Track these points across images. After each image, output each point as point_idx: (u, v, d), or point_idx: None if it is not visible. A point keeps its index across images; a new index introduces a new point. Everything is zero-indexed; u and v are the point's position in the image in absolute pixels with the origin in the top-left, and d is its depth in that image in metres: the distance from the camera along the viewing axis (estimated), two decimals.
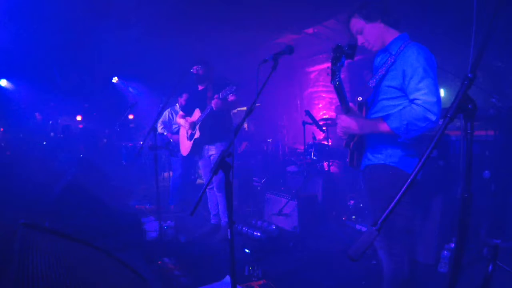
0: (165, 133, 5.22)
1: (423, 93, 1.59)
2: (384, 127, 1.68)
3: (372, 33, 1.82)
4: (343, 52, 1.43)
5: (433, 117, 1.55)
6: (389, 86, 1.77)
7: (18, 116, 9.01)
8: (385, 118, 1.69)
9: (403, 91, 1.73)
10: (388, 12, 1.81)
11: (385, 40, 1.83)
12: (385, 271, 1.86)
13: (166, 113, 5.31)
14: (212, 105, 3.30)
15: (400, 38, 1.80)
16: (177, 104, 5.30)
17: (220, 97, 3.23)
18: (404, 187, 0.90)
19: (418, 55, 1.64)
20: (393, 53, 1.76)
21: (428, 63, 1.63)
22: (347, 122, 1.75)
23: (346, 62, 1.52)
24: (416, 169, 0.90)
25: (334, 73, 1.48)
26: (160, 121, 5.26)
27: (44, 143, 8.53)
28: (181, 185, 5.21)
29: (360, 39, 1.87)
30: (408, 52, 1.69)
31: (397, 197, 0.89)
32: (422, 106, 1.57)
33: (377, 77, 1.80)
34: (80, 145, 8.45)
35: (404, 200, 1.77)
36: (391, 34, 1.82)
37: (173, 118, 5.28)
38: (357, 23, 1.84)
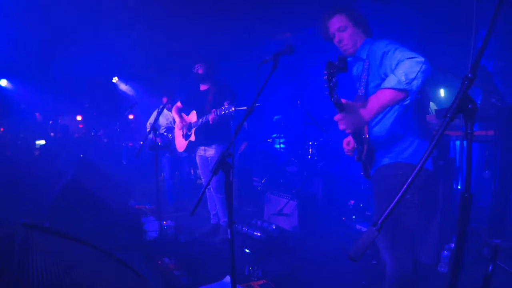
0: (165, 133, 5.23)
1: (402, 54, 1.63)
2: (385, 93, 1.57)
3: (353, 37, 1.92)
4: (336, 67, 1.43)
5: (421, 58, 1.55)
6: (375, 87, 1.81)
7: (18, 116, 9.01)
8: (380, 87, 1.62)
9: None
10: (367, 22, 1.96)
11: (357, 46, 1.94)
12: (388, 271, 1.86)
13: (154, 114, 5.28)
14: (209, 119, 3.32)
15: (366, 43, 1.92)
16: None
17: (218, 113, 3.23)
18: (404, 187, 0.90)
19: (382, 43, 1.78)
20: (364, 57, 1.88)
21: (392, 43, 1.74)
22: (348, 119, 1.61)
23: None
24: (416, 170, 0.90)
25: (331, 90, 1.48)
26: (148, 122, 5.29)
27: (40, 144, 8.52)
28: (172, 185, 5.27)
29: (338, 37, 1.93)
30: (374, 48, 1.82)
31: (397, 197, 0.89)
32: (406, 58, 1.59)
33: (362, 84, 1.87)
34: (80, 144, 8.45)
35: (413, 201, 1.78)
36: (361, 41, 1.94)
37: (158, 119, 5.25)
38: (342, 21, 1.91)
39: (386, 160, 1.88)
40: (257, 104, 1.74)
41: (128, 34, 6.21)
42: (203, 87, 3.70)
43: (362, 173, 2.07)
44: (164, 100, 5.04)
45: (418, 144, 1.83)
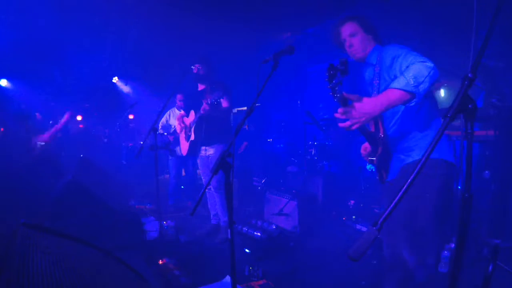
0: (165, 133, 5.23)
1: (412, 58, 1.69)
2: (394, 93, 1.62)
3: (363, 42, 1.99)
4: (337, 70, 1.47)
5: (431, 64, 1.62)
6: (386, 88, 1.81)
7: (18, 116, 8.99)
8: (389, 86, 1.66)
9: None
10: (377, 30, 2.03)
11: (367, 51, 2.01)
12: (389, 270, 1.86)
13: (166, 114, 5.31)
14: (201, 110, 3.32)
15: (375, 49, 2.00)
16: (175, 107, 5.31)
17: (209, 102, 3.23)
18: (405, 186, 0.90)
19: (391, 49, 1.85)
20: (375, 62, 1.95)
21: (403, 47, 1.81)
22: (356, 111, 1.61)
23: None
24: (416, 170, 0.90)
25: (333, 90, 1.52)
26: (160, 122, 5.28)
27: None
28: (176, 185, 5.28)
29: (349, 42, 1.99)
30: (384, 54, 1.89)
31: (399, 194, 0.89)
32: (417, 61, 1.64)
33: (375, 88, 1.92)
34: (79, 144, 8.43)
35: (433, 203, 1.80)
36: (371, 47, 2.01)
37: (169, 119, 5.28)
38: (354, 27, 1.98)
39: (410, 158, 1.88)
40: (257, 104, 1.75)
41: (128, 34, 6.21)
42: (201, 87, 3.70)
43: (377, 177, 2.07)
44: (179, 97, 5.02)
45: (442, 139, 1.82)
